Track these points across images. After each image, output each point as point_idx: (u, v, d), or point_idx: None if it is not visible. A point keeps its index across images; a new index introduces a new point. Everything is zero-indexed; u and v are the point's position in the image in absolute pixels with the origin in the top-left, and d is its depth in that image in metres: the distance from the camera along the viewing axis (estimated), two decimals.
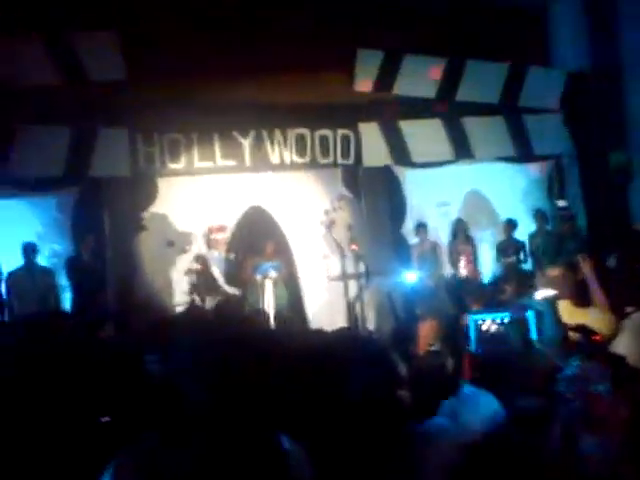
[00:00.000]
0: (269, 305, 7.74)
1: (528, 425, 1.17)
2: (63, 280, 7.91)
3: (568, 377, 1.11)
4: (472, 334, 1.24)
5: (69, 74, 7.07)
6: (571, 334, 3.17)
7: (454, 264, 8.73)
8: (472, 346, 1.26)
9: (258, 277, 7.86)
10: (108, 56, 7.12)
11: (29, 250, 7.57)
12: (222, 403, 1.68)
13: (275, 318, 7.10)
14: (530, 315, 1.18)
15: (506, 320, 1.21)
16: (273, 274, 7.90)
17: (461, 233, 8.83)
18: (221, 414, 1.70)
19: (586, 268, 4.08)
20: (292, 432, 1.76)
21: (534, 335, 1.17)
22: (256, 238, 8.27)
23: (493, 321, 1.23)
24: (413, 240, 8.83)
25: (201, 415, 1.68)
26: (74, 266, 7.75)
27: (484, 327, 1.24)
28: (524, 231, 8.99)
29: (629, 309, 3.74)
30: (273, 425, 1.73)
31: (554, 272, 3.91)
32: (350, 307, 7.78)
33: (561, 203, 8.79)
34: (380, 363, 2.42)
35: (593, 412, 1.05)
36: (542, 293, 3.34)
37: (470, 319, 1.23)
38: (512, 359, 1.19)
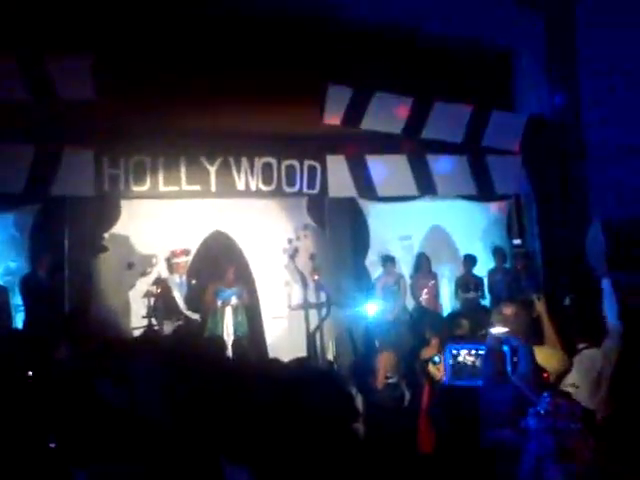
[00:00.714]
0: (228, 332, 7.69)
1: (500, 456, 1.21)
2: (17, 299, 7.72)
3: (540, 412, 1.15)
4: (447, 364, 1.26)
5: (38, 92, 7.01)
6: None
7: (416, 297, 8.82)
8: (447, 376, 1.28)
9: (218, 303, 7.81)
10: (79, 77, 7.08)
11: None
12: (172, 426, 1.68)
13: (233, 345, 7.04)
14: (506, 348, 1.21)
15: (481, 352, 1.23)
16: (234, 300, 7.86)
17: (424, 267, 8.95)
18: (170, 436, 1.70)
19: (540, 307, 4.20)
20: (242, 456, 1.76)
21: (509, 368, 1.20)
22: (218, 263, 8.24)
23: (469, 352, 1.25)
24: (376, 272, 8.91)
25: (150, 436, 1.67)
26: (29, 285, 7.57)
27: (460, 358, 1.26)
28: (483, 268, 9.17)
29: (580, 345, 3.85)
30: (220, 449, 1.74)
31: (508, 309, 4.00)
32: (310, 337, 7.77)
33: (516, 241, 9.02)
34: (336, 395, 2.44)
35: (565, 446, 1.10)
36: (496, 330, 3.42)
37: (447, 349, 1.25)
38: (486, 391, 1.22)
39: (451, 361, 1.31)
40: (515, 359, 1.25)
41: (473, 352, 1.28)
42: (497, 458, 1.14)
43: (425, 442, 4.76)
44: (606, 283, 4.23)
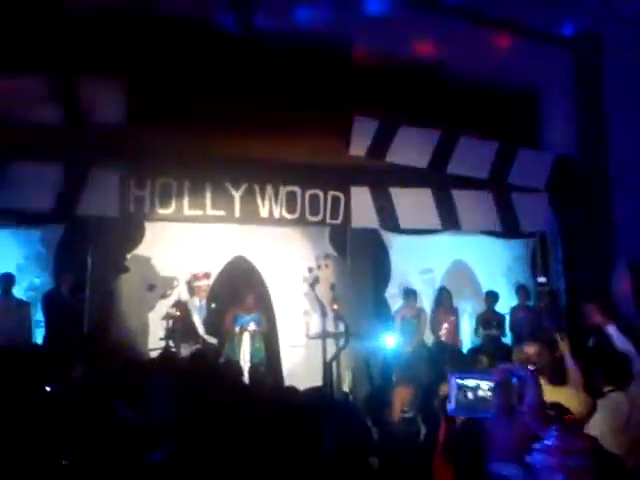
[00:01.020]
0: (245, 358, 7.65)
1: None
2: (39, 315, 7.79)
3: (548, 448, 1.10)
4: (452, 395, 1.21)
5: (69, 115, 7.16)
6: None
7: (435, 332, 8.72)
8: (451, 407, 1.23)
9: (237, 328, 7.79)
10: (111, 101, 7.24)
11: (5, 281, 7.48)
12: (188, 450, 1.66)
13: (250, 371, 7.00)
14: (514, 380, 1.18)
15: (490, 384, 1.19)
16: (252, 327, 7.84)
17: (445, 302, 8.87)
18: (186, 459, 1.68)
19: (564, 346, 4.12)
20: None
21: (516, 401, 1.16)
22: (238, 289, 8.24)
23: (475, 383, 1.20)
24: (396, 304, 8.83)
25: (166, 459, 1.65)
26: (51, 301, 7.65)
27: (466, 389, 1.22)
28: (505, 305, 9.05)
29: (606, 389, 3.76)
30: (233, 475, 1.71)
31: (531, 348, 3.93)
32: (327, 366, 7.68)
33: (541, 279, 8.90)
34: (351, 427, 2.40)
35: None
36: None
37: (452, 379, 1.20)
38: (493, 424, 1.18)
39: (456, 391, 1.26)
40: (522, 392, 1.21)
41: (479, 383, 1.24)
42: None
43: (442, 478, 4.64)
44: (612, 329, 4.16)
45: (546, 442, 1.11)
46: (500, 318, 8.83)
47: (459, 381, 1.27)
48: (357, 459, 2.09)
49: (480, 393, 1.25)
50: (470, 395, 1.26)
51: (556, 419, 3.06)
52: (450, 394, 1.28)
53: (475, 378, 1.27)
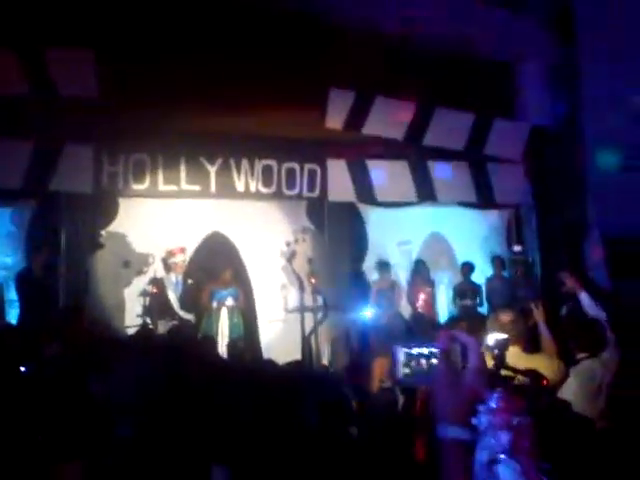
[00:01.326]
0: (223, 333, 7.65)
1: (450, 454, 1.21)
2: (12, 294, 7.67)
3: (492, 409, 1.15)
4: (398, 365, 1.25)
5: (39, 88, 6.99)
6: (520, 378, 3.23)
7: (412, 303, 8.79)
8: (399, 377, 1.27)
9: (214, 304, 7.77)
10: (81, 73, 7.06)
11: None
12: (162, 425, 1.65)
13: (228, 346, 7.00)
14: (456, 347, 1.21)
15: (434, 351, 1.23)
16: (230, 302, 7.83)
17: (421, 273, 8.93)
18: (159, 436, 1.66)
19: (538, 315, 4.19)
20: (231, 459, 1.73)
21: (459, 367, 1.20)
22: (214, 264, 8.20)
23: (420, 352, 1.24)
24: (373, 277, 8.88)
25: (137, 436, 1.64)
26: (24, 280, 7.53)
27: (411, 358, 1.25)
28: (481, 275, 9.14)
29: (579, 356, 3.83)
30: (209, 451, 1.70)
31: (506, 317, 3.99)
32: (305, 340, 7.72)
33: (516, 248, 9.00)
34: (331, 398, 2.41)
35: (518, 441, 1.11)
36: (494, 336, 3.39)
37: (397, 350, 1.24)
38: (439, 390, 1.21)
39: (403, 359, 1.29)
40: (465, 358, 1.23)
41: (423, 351, 1.26)
42: (447, 455, 1.14)
43: (419, 449, 4.71)
44: (583, 296, 4.23)
45: (490, 404, 1.16)
46: (476, 288, 8.92)
47: (404, 350, 1.30)
48: (337, 429, 2.09)
49: (425, 361, 1.28)
50: (415, 364, 1.28)
51: (531, 386, 3.12)
52: (397, 365, 1.31)
53: (419, 347, 1.30)
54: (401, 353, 1.31)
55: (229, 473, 1.70)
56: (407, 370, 1.30)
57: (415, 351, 1.31)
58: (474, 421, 1.17)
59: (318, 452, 2.07)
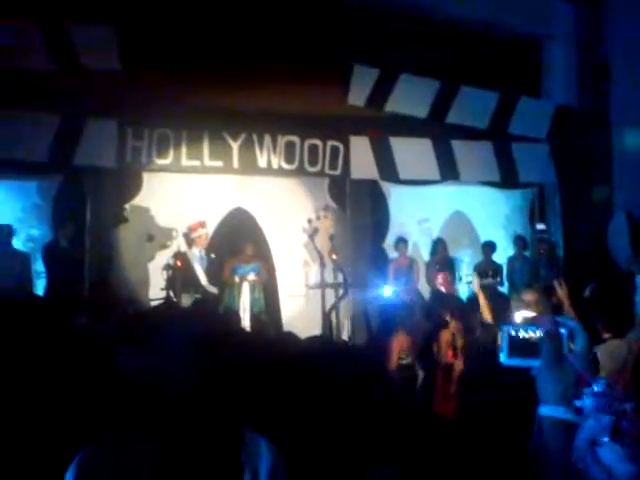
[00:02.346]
0: (244, 307, 7.74)
1: (553, 432, 1.25)
2: (39, 266, 7.83)
3: (597, 393, 1.19)
4: (504, 344, 1.28)
5: (63, 62, 7.03)
6: None
7: (431, 281, 8.80)
8: (503, 356, 1.30)
9: (236, 278, 7.85)
10: (104, 47, 7.09)
11: (4, 233, 7.48)
12: (199, 393, 1.69)
13: (251, 321, 7.09)
14: (563, 331, 1.24)
15: (539, 333, 1.25)
16: (252, 277, 7.90)
17: (440, 252, 8.92)
18: (195, 405, 1.71)
19: (562, 293, 4.19)
20: (261, 426, 1.78)
21: (565, 350, 1.22)
22: (237, 239, 8.26)
23: (526, 333, 1.27)
24: (393, 254, 8.89)
25: (173, 406, 1.69)
26: (51, 252, 7.67)
27: (516, 338, 1.28)
28: (503, 255, 9.11)
29: (605, 335, 3.83)
30: (240, 421, 1.75)
31: (529, 296, 4.00)
32: (326, 316, 7.79)
33: (540, 226, 8.93)
34: (355, 373, 2.45)
35: (620, 424, 1.14)
36: (521, 314, 3.41)
37: (503, 329, 1.27)
38: (543, 371, 1.24)
39: (507, 341, 1.32)
40: (571, 342, 1.27)
41: (531, 332, 1.30)
42: (550, 434, 1.18)
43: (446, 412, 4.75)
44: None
45: (596, 387, 1.19)
46: (497, 268, 8.90)
47: (511, 331, 1.33)
48: (360, 402, 2.13)
49: (530, 343, 1.31)
50: (520, 344, 1.32)
51: None
52: (501, 344, 1.34)
53: (525, 329, 1.33)
54: (506, 334, 1.34)
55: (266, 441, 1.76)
56: (512, 350, 1.33)
57: (521, 333, 1.34)
58: (578, 403, 1.20)
59: (341, 421, 2.11)
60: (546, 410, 1.11)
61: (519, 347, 1.26)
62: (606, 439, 1.11)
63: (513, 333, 1.26)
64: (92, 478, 1.62)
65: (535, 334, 1.24)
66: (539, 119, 8.88)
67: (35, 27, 6.95)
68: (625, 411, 1.12)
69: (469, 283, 8.23)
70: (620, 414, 1.12)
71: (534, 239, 9.09)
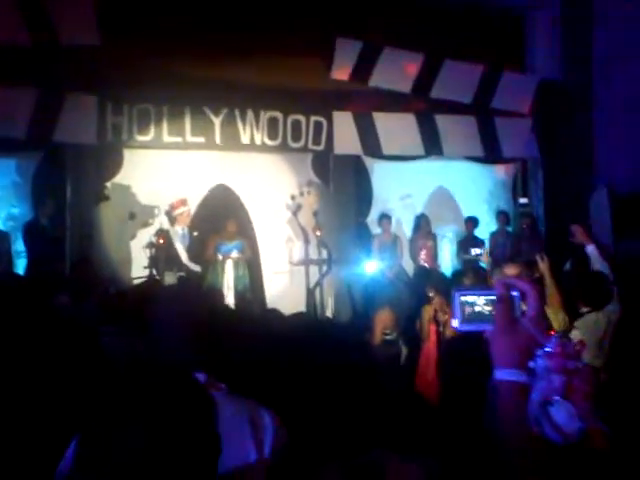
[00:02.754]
0: (228, 285, 7.72)
1: (508, 396, 1.26)
2: (19, 245, 7.73)
3: (549, 353, 1.21)
4: (457, 311, 1.29)
5: (40, 35, 6.88)
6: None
7: (414, 257, 8.84)
8: (457, 322, 1.31)
9: (220, 256, 7.82)
10: (82, 21, 6.95)
11: None
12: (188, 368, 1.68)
13: (235, 298, 7.08)
14: (515, 294, 1.25)
15: (491, 297, 1.26)
16: (235, 254, 7.87)
17: (423, 227, 8.94)
18: (183, 382, 1.70)
19: (544, 267, 4.24)
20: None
21: (518, 313, 1.24)
22: (220, 216, 8.21)
23: (477, 298, 1.28)
24: (376, 230, 8.90)
25: (160, 385, 1.68)
26: (31, 231, 7.57)
27: (469, 304, 1.29)
28: (486, 230, 9.15)
29: (583, 309, 3.89)
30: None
31: (511, 269, 4.05)
32: (310, 293, 7.80)
33: (522, 200, 8.96)
34: (337, 348, 2.45)
35: (572, 384, 1.16)
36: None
37: (455, 296, 1.28)
38: (496, 335, 1.26)
39: (460, 307, 1.32)
40: (524, 303, 1.28)
41: (481, 298, 1.30)
42: (505, 397, 1.19)
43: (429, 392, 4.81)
44: (590, 249, 4.25)
45: (547, 348, 1.21)
46: (480, 242, 8.94)
47: (462, 297, 1.33)
48: (343, 377, 2.14)
49: (482, 307, 1.31)
50: (473, 310, 1.32)
51: None
52: (454, 310, 1.34)
53: (477, 294, 1.33)
54: (458, 300, 1.34)
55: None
56: (465, 316, 1.33)
57: (472, 298, 1.33)
58: (531, 364, 1.22)
59: (322, 398, 2.12)
60: (500, 374, 1.14)
61: (471, 312, 1.28)
62: (557, 398, 1.15)
63: (463, 298, 1.28)
64: (89, 462, 1.61)
65: (487, 298, 1.26)
66: (522, 93, 8.87)
67: (11, 1, 6.77)
68: (577, 369, 1.16)
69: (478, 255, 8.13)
70: (572, 373, 1.15)
71: (517, 214, 9.14)
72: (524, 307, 1.30)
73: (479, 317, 1.30)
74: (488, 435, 1.27)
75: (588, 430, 1.18)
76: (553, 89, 8.94)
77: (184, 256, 7.80)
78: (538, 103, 8.87)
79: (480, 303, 1.31)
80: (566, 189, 8.91)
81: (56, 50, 7.05)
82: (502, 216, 9.12)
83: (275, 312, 4.13)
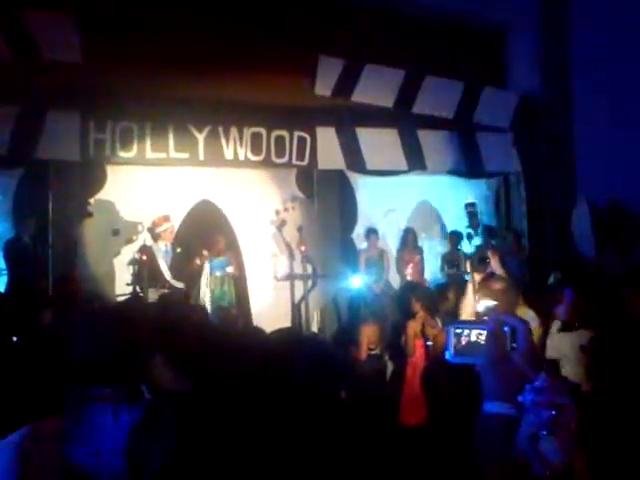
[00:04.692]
0: (214, 300, 7.68)
1: (496, 428, 1.30)
2: (0, 263, 7.64)
3: (538, 388, 1.24)
4: (449, 343, 1.35)
5: (21, 52, 6.86)
6: None
7: (401, 271, 8.86)
8: (449, 354, 1.37)
9: (207, 272, 7.79)
10: (64, 37, 6.94)
11: None
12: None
13: (220, 314, 7.04)
14: (506, 329, 1.30)
15: (484, 332, 1.32)
16: (221, 270, 7.85)
17: (410, 242, 8.98)
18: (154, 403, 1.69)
19: (494, 262, 4.36)
20: (225, 421, 1.77)
21: (508, 348, 1.29)
22: (204, 232, 8.19)
23: (470, 332, 1.33)
24: (362, 245, 8.93)
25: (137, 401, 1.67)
26: (13, 249, 7.49)
27: (462, 337, 1.34)
28: (468, 244, 9.19)
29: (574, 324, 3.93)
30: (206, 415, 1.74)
31: (496, 285, 4.06)
32: (295, 308, 7.79)
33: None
34: (322, 363, 2.45)
35: (558, 418, 1.20)
36: (484, 303, 3.46)
37: (449, 328, 1.35)
38: (486, 369, 1.29)
39: (453, 339, 1.38)
40: (514, 340, 1.32)
41: (474, 331, 1.35)
42: (493, 429, 1.23)
43: (409, 414, 4.81)
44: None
45: (536, 383, 1.24)
46: (464, 257, 8.98)
47: (456, 330, 1.38)
48: (329, 393, 2.13)
49: (475, 341, 1.36)
50: (465, 343, 1.37)
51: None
52: (447, 342, 1.39)
53: (470, 327, 1.38)
54: (451, 332, 1.40)
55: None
56: (457, 349, 1.38)
57: (465, 331, 1.39)
58: (520, 398, 1.25)
59: (306, 414, 2.11)
60: (490, 406, 1.17)
61: (464, 346, 1.33)
62: (545, 433, 1.19)
63: (459, 331, 1.33)
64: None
65: (480, 332, 1.31)
66: (503, 109, 8.99)
67: None
68: (564, 405, 1.20)
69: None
70: (559, 408, 1.19)
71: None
72: (514, 344, 1.35)
73: (471, 350, 1.35)
74: (476, 466, 1.29)
75: (572, 463, 1.21)
76: (533, 105, 9.07)
77: (167, 273, 7.75)
78: (519, 118, 8.99)
79: (472, 336, 1.36)
80: (548, 203, 9.02)
81: (38, 67, 7.02)
82: (486, 230, 9.17)
83: (256, 329, 4.12)
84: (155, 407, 1.82)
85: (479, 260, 4.49)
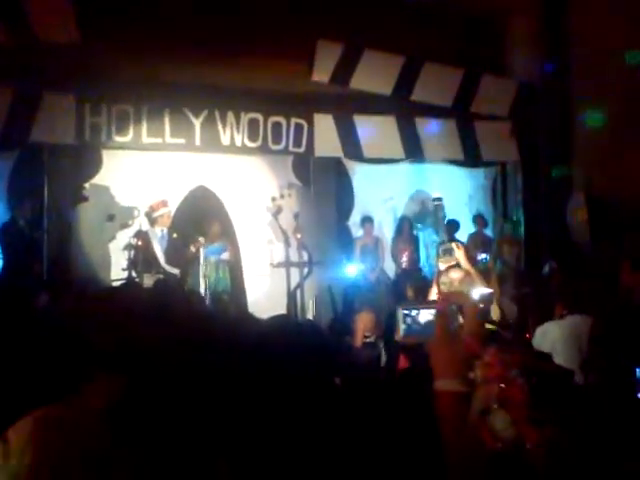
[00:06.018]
0: (209, 287, 7.68)
1: (452, 405, 1.31)
2: None
3: (487, 363, 1.26)
4: (400, 324, 1.40)
5: (17, 33, 6.79)
6: (488, 326, 3.42)
7: (396, 260, 8.87)
8: (399, 335, 1.41)
9: (202, 258, 7.77)
10: (59, 19, 6.87)
11: None
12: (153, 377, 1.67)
13: (215, 300, 7.04)
14: (453, 307, 1.34)
15: (432, 312, 1.36)
16: (216, 256, 7.83)
17: (406, 230, 8.98)
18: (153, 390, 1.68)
19: (459, 254, 4.46)
20: (220, 411, 1.76)
21: (455, 325, 1.33)
22: (201, 218, 8.16)
23: (420, 312, 1.38)
24: (359, 233, 8.92)
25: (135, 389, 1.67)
26: (9, 232, 7.46)
27: (411, 317, 1.39)
28: (466, 233, 9.21)
29: (563, 312, 3.95)
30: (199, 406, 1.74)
31: (454, 274, 4.23)
32: (291, 295, 7.79)
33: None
34: (317, 350, 2.45)
35: (506, 392, 1.21)
36: (479, 291, 3.49)
37: (398, 311, 1.39)
38: (436, 348, 1.34)
39: (403, 321, 1.43)
40: (461, 317, 1.36)
41: (423, 312, 1.40)
42: (444, 406, 1.25)
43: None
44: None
45: (485, 358, 1.26)
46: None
47: (404, 312, 1.43)
48: (324, 380, 2.13)
49: (423, 320, 1.41)
50: (415, 323, 1.42)
51: (515, 339, 3.23)
52: (398, 324, 1.44)
53: (419, 308, 1.43)
54: (400, 314, 1.44)
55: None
56: (405, 328, 1.42)
57: (414, 312, 1.43)
58: (470, 375, 1.26)
59: (301, 401, 2.11)
60: (441, 384, 1.20)
61: (413, 325, 1.41)
62: (495, 406, 1.22)
63: (406, 312, 1.40)
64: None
65: (428, 312, 1.38)
66: (502, 97, 8.95)
67: None
68: (513, 378, 1.23)
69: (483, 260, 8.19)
70: (508, 382, 1.23)
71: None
72: (461, 320, 1.38)
73: (420, 329, 1.40)
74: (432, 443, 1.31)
75: (523, 435, 1.22)
76: (532, 93, 9.03)
77: (162, 258, 7.73)
78: (518, 107, 8.95)
79: (422, 317, 1.41)
80: (544, 192, 9.01)
81: (34, 48, 6.96)
82: (479, 219, 9.19)
83: (250, 316, 4.11)
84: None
85: (444, 251, 4.63)
